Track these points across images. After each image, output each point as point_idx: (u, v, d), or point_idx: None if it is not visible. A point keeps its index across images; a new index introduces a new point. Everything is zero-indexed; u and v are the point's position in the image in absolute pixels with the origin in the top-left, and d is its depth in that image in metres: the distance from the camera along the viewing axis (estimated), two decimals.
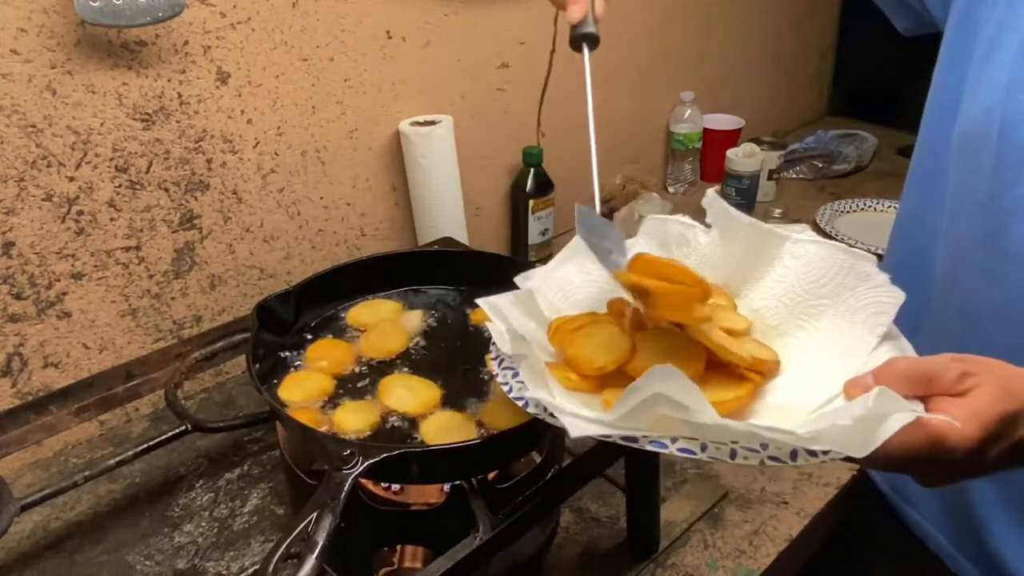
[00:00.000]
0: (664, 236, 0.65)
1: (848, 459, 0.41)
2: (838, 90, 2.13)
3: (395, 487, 0.74)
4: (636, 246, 0.64)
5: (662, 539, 0.81)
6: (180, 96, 0.92)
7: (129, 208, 0.92)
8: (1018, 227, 0.59)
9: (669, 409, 0.42)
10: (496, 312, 0.55)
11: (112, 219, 0.91)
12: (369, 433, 0.67)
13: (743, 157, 1.48)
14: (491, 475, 0.70)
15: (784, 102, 1.99)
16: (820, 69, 2.07)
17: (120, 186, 0.90)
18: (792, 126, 2.04)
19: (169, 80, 0.90)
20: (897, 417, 0.40)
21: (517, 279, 0.62)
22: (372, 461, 0.56)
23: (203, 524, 0.83)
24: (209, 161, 0.97)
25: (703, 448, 0.43)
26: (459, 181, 1.20)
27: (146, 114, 0.90)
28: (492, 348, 0.57)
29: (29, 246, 0.86)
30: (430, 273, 0.87)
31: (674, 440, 0.43)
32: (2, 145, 0.81)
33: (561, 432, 0.72)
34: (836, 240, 1.41)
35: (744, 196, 1.50)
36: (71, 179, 0.86)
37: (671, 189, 1.70)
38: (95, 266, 0.91)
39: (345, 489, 0.54)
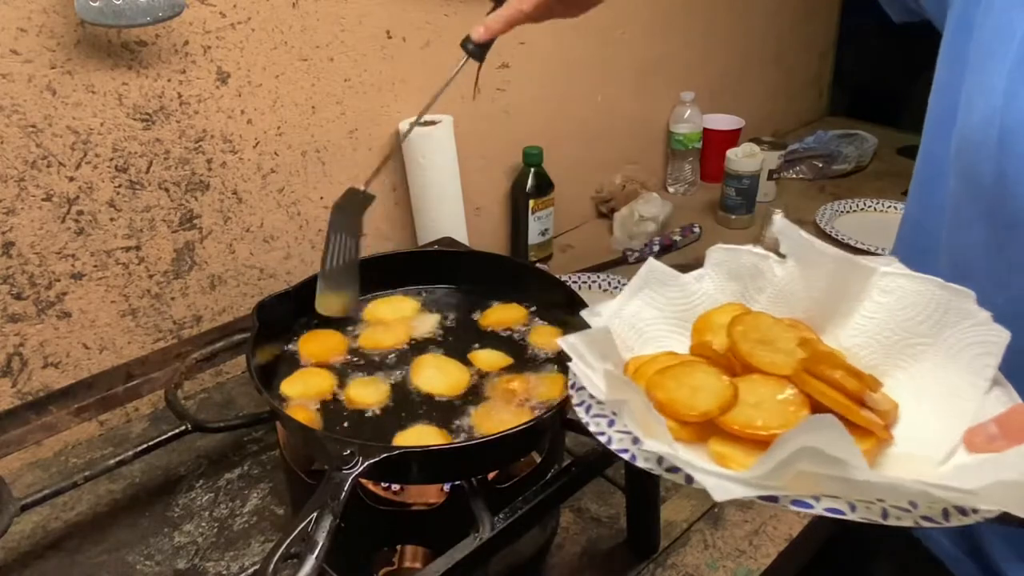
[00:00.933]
0: (735, 267, 0.61)
1: (1001, 518, 0.39)
2: (838, 90, 2.13)
3: (395, 487, 0.74)
4: (705, 279, 0.61)
5: (662, 539, 0.81)
6: (180, 96, 0.92)
7: (129, 208, 0.92)
8: (1019, 236, 0.59)
9: (818, 465, 0.39)
10: (576, 352, 0.51)
11: (112, 219, 0.91)
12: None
13: (743, 157, 1.48)
14: (491, 475, 0.70)
15: (784, 102, 2.00)
16: (820, 69, 2.07)
17: (120, 186, 0.90)
18: (792, 126, 2.04)
19: (169, 80, 0.90)
20: None
21: (585, 315, 0.58)
22: (372, 461, 0.56)
23: (203, 524, 0.83)
24: (209, 161, 0.97)
25: (852, 508, 0.39)
26: (459, 181, 1.20)
27: (146, 114, 0.90)
28: (575, 393, 0.53)
29: (29, 246, 0.86)
30: (430, 273, 0.87)
31: (818, 499, 0.40)
32: (2, 145, 0.81)
33: (561, 432, 0.73)
34: (836, 240, 1.42)
35: (744, 196, 1.50)
36: (71, 179, 0.86)
37: (671, 189, 1.70)
38: (95, 266, 0.91)
39: (345, 489, 0.54)
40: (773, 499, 0.40)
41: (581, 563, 0.80)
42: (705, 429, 0.48)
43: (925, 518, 0.39)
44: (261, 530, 0.83)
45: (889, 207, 1.56)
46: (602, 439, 0.48)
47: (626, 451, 0.46)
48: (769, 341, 0.53)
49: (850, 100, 2.13)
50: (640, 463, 0.45)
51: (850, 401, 0.47)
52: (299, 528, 0.51)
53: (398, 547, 0.73)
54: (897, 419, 0.50)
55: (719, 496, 0.40)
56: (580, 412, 0.51)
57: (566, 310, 0.79)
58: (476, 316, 0.83)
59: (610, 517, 0.85)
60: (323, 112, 1.06)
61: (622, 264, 1.38)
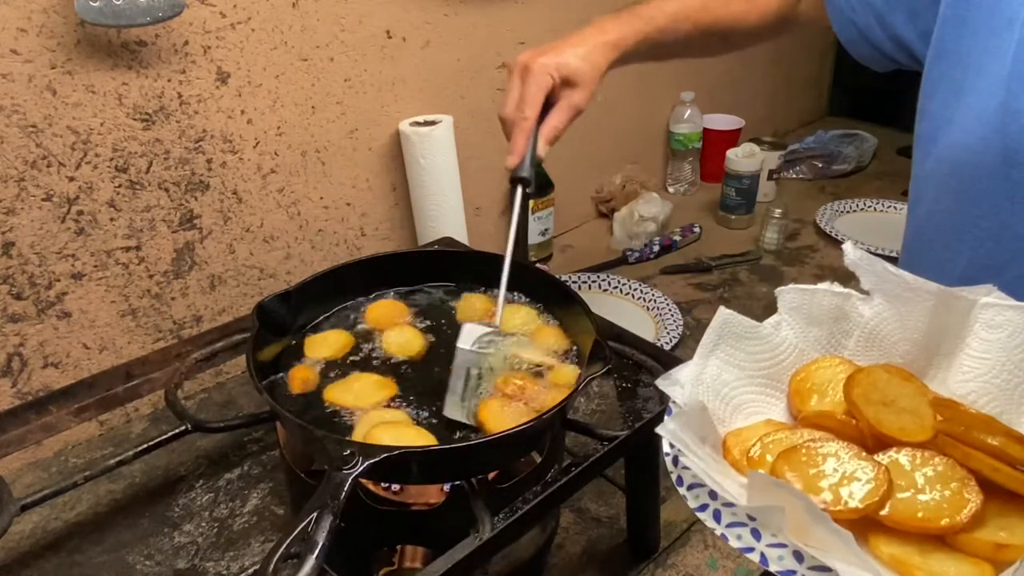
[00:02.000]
0: (814, 311, 0.54)
1: None
2: (838, 90, 2.13)
3: (395, 487, 0.74)
4: (783, 326, 0.54)
5: (662, 539, 0.81)
6: (180, 96, 0.92)
7: (129, 208, 0.92)
8: None
9: None
10: (681, 442, 0.42)
11: (112, 219, 0.91)
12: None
13: (743, 157, 1.48)
14: (491, 475, 0.70)
15: (784, 102, 1.99)
16: (820, 69, 2.07)
17: (120, 186, 0.90)
18: (792, 126, 2.04)
19: (169, 80, 0.90)
20: None
21: (662, 386, 0.48)
22: (372, 461, 0.56)
23: (203, 524, 0.83)
24: (209, 161, 0.97)
25: None
26: (459, 181, 1.20)
27: (146, 114, 0.90)
28: (689, 496, 0.43)
29: (29, 246, 0.86)
30: (430, 273, 0.87)
31: None
32: (2, 145, 0.81)
33: (561, 432, 0.73)
34: (836, 240, 1.42)
35: (744, 196, 1.50)
36: (71, 179, 0.86)
37: (671, 189, 1.70)
38: (95, 266, 0.91)
39: (345, 489, 0.54)
40: None
41: (581, 563, 0.80)
42: (856, 527, 0.40)
43: None
44: (261, 530, 0.83)
45: (889, 207, 1.56)
46: (752, 556, 0.39)
47: (793, 573, 0.38)
48: (891, 401, 0.47)
49: (850, 100, 2.13)
50: None
51: (1019, 472, 0.40)
52: (299, 528, 0.51)
53: (398, 547, 0.73)
54: None
55: None
56: (706, 519, 0.42)
57: (566, 310, 0.79)
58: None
59: (610, 517, 0.85)
60: (323, 112, 1.06)
61: (622, 264, 1.38)
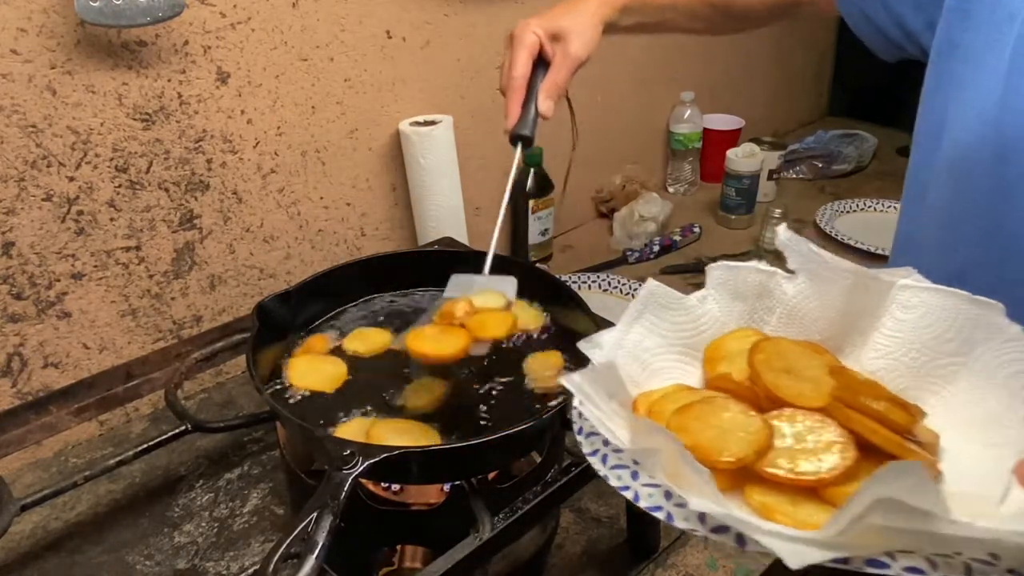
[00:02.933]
0: (739, 287, 0.56)
1: None
2: (838, 90, 2.13)
3: (395, 487, 0.74)
4: (708, 300, 0.56)
5: (662, 539, 0.81)
6: (180, 96, 0.92)
7: (129, 208, 0.92)
8: (1020, 250, 0.59)
9: (896, 517, 0.34)
10: (583, 393, 0.45)
11: (112, 219, 0.91)
12: None
13: (743, 157, 1.48)
14: (491, 475, 0.70)
15: (784, 102, 1.99)
16: (820, 69, 2.07)
17: (120, 186, 0.90)
18: (792, 126, 2.04)
19: (169, 80, 0.90)
20: None
21: (583, 347, 0.51)
22: (372, 461, 0.56)
23: (203, 524, 0.83)
24: (209, 161, 0.97)
25: (934, 566, 0.35)
26: (459, 181, 1.20)
27: (146, 114, 0.90)
28: (584, 441, 0.47)
29: (29, 246, 0.86)
30: (430, 273, 0.87)
31: (894, 557, 0.36)
32: (2, 145, 0.81)
33: (561, 432, 0.73)
34: (836, 240, 1.42)
35: (744, 196, 1.50)
36: (71, 179, 0.86)
37: (671, 189, 1.70)
38: (95, 266, 0.91)
39: (345, 489, 0.54)
40: (844, 561, 0.36)
41: (581, 563, 0.80)
42: (736, 477, 0.43)
43: (1012, 571, 0.35)
44: (261, 530, 0.83)
45: (889, 207, 1.56)
46: (626, 494, 0.42)
47: (660, 508, 0.40)
48: (794, 370, 0.49)
49: (850, 100, 2.13)
50: (678, 523, 0.40)
51: (900, 436, 0.43)
52: (299, 528, 0.51)
53: (398, 547, 0.73)
54: (938, 452, 0.45)
55: (794, 563, 0.35)
56: (595, 463, 0.45)
57: (566, 310, 0.79)
58: None
59: (610, 517, 0.85)
60: (323, 112, 1.06)
61: (622, 264, 1.38)
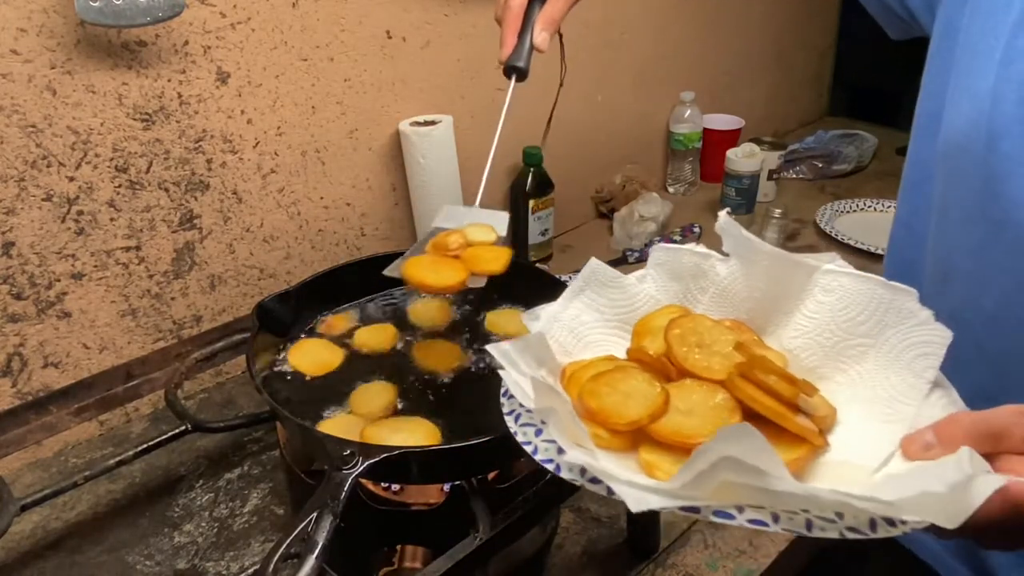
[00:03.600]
0: (677, 267, 0.60)
1: (931, 528, 0.37)
2: (838, 90, 2.13)
3: (395, 487, 0.74)
4: (647, 279, 0.60)
5: (662, 539, 0.81)
6: (180, 96, 0.92)
7: (129, 208, 0.92)
8: (1006, 238, 0.59)
9: (739, 475, 0.37)
10: (508, 360, 0.49)
11: (112, 219, 0.91)
12: None
13: (743, 157, 1.48)
14: (491, 475, 0.70)
15: (784, 102, 2.00)
16: (820, 69, 2.07)
17: (120, 186, 0.90)
18: (792, 126, 2.04)
19: (169, 80, 0.90)
20: (982, 483, 0.36)
21: (523, 319, 0.57)
22: (372, 461, 0.56)
23: (203, 524, 0.83)
24: (209, 161, 0.97)
25: (775, 519, 0.38)
26: (459, 181, 1.20)
27: (146, 114, 0.90)
28: (506, 402, 0.51)
29: (29, 246, 0.86)
30: None
31: (741, 510, 0.39)
32: (2, 145, 0.81)
33: None
34: (836, 240, 1.42)
35: (744, 196, 1.50)
36: (71, 179, 0.86)
37: (671, 189, 1.70)
38: (95, 266, 0.91)
39: (345, 489, 0.54)
40: (695, 510, 0.39)
41: (581, 563, 0.80)
42: (637, 438, 0.47)
43: (851, 529, 0.38)
44: (261, 530, 0.83)
45: (889, 207, 1.56)
46: (527, 448, 0.46)
47: (551, 461, 0.45)
48: (707, 344, 0.52)
49: (850, 100, 2.13)
50: (564, 474, 0.44)
51: (784, 407, 0.46)
52: (299, 528, 0.51)
53: (398, 547, 0.73)
54: (834, 424, 0.49)
55: (635, 507, 0.38)
56: (509, 421, 0.49)
57: None
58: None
59: (610, 517, 0.85)
60: (323, 112, 1.06)
61: (622, 264, 1.38)
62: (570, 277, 1.30)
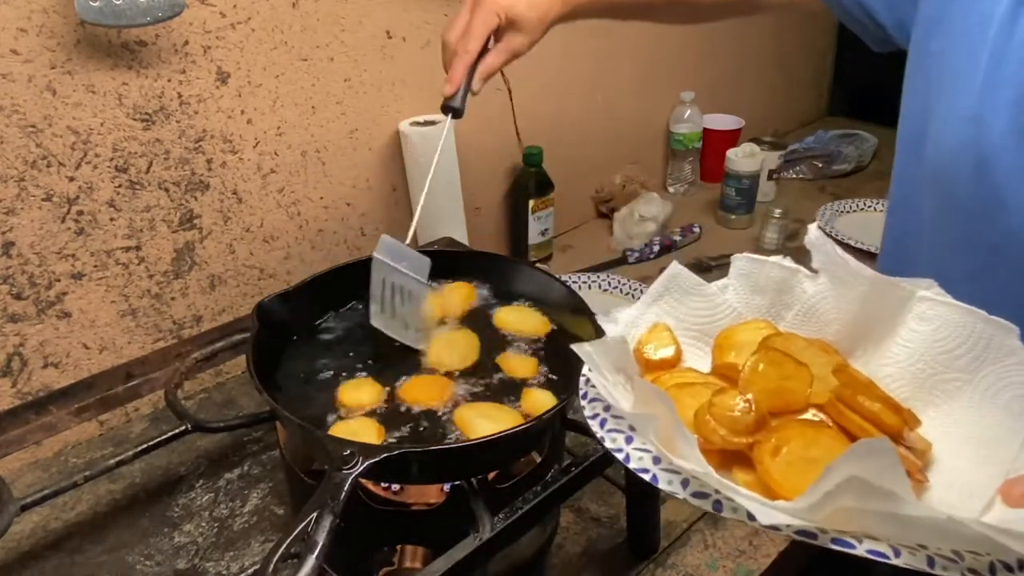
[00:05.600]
0: (761, 280, 0.57)
1: None
2: (838, 90, 2.13)
3: (395, 487, 0.74)
4: (728, 290, 0.58)
5: (662, 539, 0.81)
6: (180, 96, 0.92)
7: (129, 208, 0.92)
8: (1004, 265, 0.59)
9: (864, 497, 0.35)
10: (592, 361, 0.47)
11: (112, 219, 0.91)
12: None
13: (743, 157, 1.48)
14: (491, 475, 0.70)
15: (784, 102, 1.99)
16: (820, 69, 2.07)
17: (120, 186, 0.90)
18: (792, 126, 2.04)
19: (169, 80, 0.90)
20: None
21: (601, 321, 0.55)
22: (372, 461, 0.56)
23: (203, 524, 0.83)
24: (209, 161, 0.97)
25: (896, 552, 0.36)
26: (459, 181, 1.20)
27: (146, 114, 0.90)
28: (587, 405, 0.49)
29: (29, 246, 0.86)
30: (430, 273, 0.87)
31: (860, 540, 0.37)
32: (2, 145, 0.81)
33: (561, 432, 0.73)
34: (836, 240, 1.42)
35: (744, 196, 1.50)
36: (71, 179, 0.86)
37: (671, 189, 1.70)
38: (95, 266, 0.91)
39: (345, 489, 0.54)
40: (812, 536, 0.37)
41: (581, 563, 0.80)
42: (726, 458, 0.45)
43: (972, 572, 0.36)
44: (261, 530, 0.83)
45: None
46: (618, 455, 0.44)
47: (646, 471, 0.43)
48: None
49: (850, 100, 2.13)
50: (662, 485, 0.42)
51: (886, 437, 0.42)
52: (299, 528, 0.51)
53: (398, 547, 0.73)
54: (930, 462, 0.46)
55: (765, 520, 0.37)
56: (594, 426, 0.47)
57: (565, 310, 0.79)
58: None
59: (610, 517, 0.85)
60: (323, 112, 1.06)
61: (622, 264, 1.38)
62: (570, 277, 1.30)
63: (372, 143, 1.14)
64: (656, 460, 0.43)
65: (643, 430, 0.43)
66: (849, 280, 0.54)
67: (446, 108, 0.78)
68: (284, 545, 0.51)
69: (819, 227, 0.56)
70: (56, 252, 0.88)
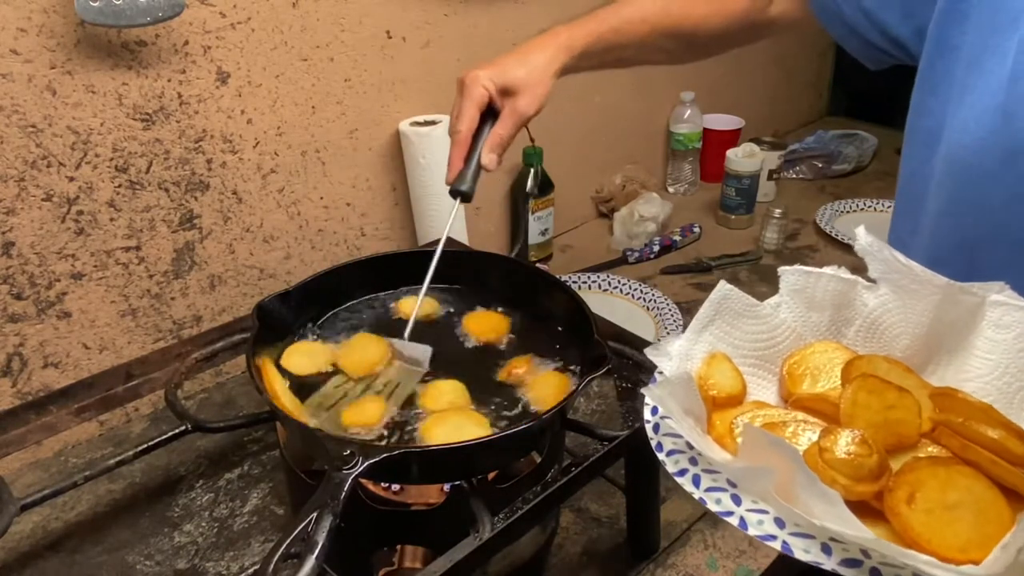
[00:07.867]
0: (816, 295, 0.52)
1: None
2: (838, 90, 2.13)
3: (395, 487, 0.74)
4: (781, 308, 0.53)
5: (662, 539, 0.81)
6: (180, 96, 0.92)
7: (129, 208, 0.92)
8: None
9: None
10: (667, 407, 0.41)
11: (112, 219, 0.91)
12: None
13: (743, 157, 1.48)
14: (491, 475, 0.70)
15: (784, 102, 1.99)
16: (820, 69, 2.07)
17: (120, 186, 0.90)
18: (792, 126, 2.04)
19: (169, 80, 0.90)
20: None
21: (651, 355, 0.48)
22: (372, 461, 0.56)
23: (203, 524, 0.83)
24: (209, 161, 0.97)
25: None
26: None
27: (146, 114, 0.90)
28: (667, 460, 0.43)
29: (29, 246, 0.86)
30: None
31: None
32: (2, 145, 0.81)
33: (561, 432, 0.73)
34: (836, 240, 1.42)
35: (744, 196, 1.50)
36: (71, 179, 0.86)
37: (671, 189, 1.70)
38: (95, 266, 0.91)
39: (345, 489, 0.54)
40: None
41: (581, 563, 0.80)
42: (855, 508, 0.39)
43: None
44: (261, 530, 0.83)
45: (889, 207, 1.55)
46: (730, 520, 0.38)
47: (774, 538, 0.36)
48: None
49: (850, 100, 2.13)
50: (798, 554, 0.35)
51: (1017, 469, 0.39)
52: (299, 528, 0.51)
53: (398, 547, 0.73)
54: None
55: None
56: (685, 484, 0.41)
57: (566, 310, 0.79)
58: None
59: (610, 517, 0.85)
60: (323, 112, 1.06)
61: (622, 264, 1.38)
62: (570, 277, 1.30)
63: (372, 143, 1.14)
64: (780, 523, 0.37)
65: (753, 487, 0.37)
66: (916, 289, 0.49)
67: (453, 192, 0.77)
68: (284, 545, 0.51)
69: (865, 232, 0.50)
70: (56, 252, 0.88)
